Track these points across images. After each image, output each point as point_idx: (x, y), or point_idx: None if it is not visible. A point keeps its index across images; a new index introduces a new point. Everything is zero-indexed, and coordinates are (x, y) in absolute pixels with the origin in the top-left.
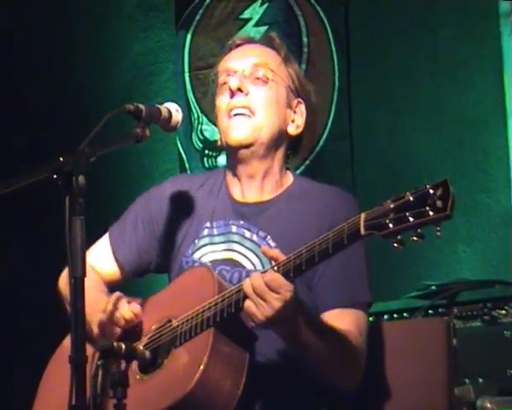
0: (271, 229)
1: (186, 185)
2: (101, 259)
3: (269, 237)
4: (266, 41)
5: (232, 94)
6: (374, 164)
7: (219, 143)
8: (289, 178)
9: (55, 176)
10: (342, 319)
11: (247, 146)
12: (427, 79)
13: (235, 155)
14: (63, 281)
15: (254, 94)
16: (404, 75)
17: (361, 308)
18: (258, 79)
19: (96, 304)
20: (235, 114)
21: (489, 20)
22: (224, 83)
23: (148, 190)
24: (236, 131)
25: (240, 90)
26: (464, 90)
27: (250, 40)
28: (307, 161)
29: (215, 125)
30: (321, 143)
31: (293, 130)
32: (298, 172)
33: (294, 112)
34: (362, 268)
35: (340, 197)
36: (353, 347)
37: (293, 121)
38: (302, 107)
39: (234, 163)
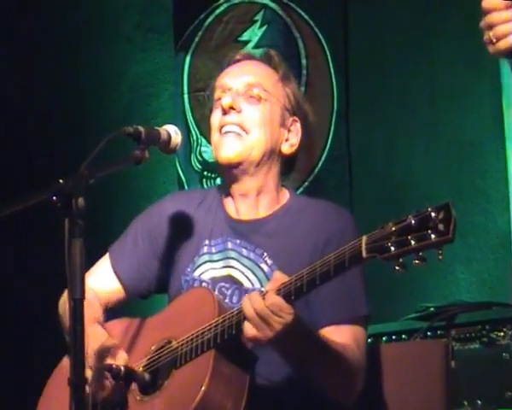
0: (268, 246)
1: (185, 203)
2: (102, 278)
3: (265, 254)
4: (265, 58)
5: (224, 111)
6: (372, 186)
7: (212, 158)
8: (286, 195)
9: (54, 198)
10: (340, 334)
11: (237, 165)
12: (426, 102)
13: (225, 172)
14: (62, 305)
15: (247, 112)
16: (402, 97)
17: (359, 323)
18: (251, 97)
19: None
20: (226, 132)
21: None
22: (219, 99)
23: (148, 208)
24: (226, 149)
25: (232, 108)
26: (462, 112)
27: (250, 56)
28: (306, 183)
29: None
30: (319, 164)
31: (287, 149)
32: (297, 192)
33: (289, 130)
34: (359, 282)
35: (335, 212)
36: (352, 362)
37: (287, 140)
38: (298, 125)
39: (227, 181)
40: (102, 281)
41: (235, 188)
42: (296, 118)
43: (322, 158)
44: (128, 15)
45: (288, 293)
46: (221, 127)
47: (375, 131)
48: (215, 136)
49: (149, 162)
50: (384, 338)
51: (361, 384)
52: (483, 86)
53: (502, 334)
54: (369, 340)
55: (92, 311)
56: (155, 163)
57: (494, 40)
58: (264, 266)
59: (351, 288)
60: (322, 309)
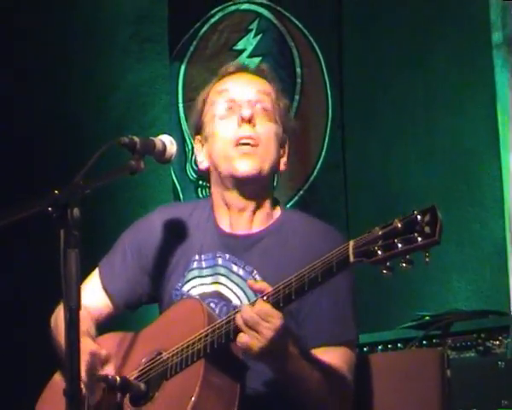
0: (258, 264)
1: (174, 216)
2: (92, 294)
3: (255, 271)
4: (259, 72)
5: (241, 122)
6: (367, 193)
7: (203, 166)
8: (278, 210)
9: (49, 208)
10: (330, 356)
11: (252, 180)
12: (421, 109)
13: (233, 185)
14: (54, 320)
15: (262, 126)
16: (397, 106)
17: (349, 346)
18: (264, 110)
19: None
20: (244, 144)
21: (482, 50)
22: (230, 108)
23: (136, 222)
24: (245, 163)
25: (249, 120)
26: (458, 120)
27: (244, 69)
28: (301, 191)
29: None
30: (315, 173)
31: (281, 166)
32: (292, 202)
33: (283, 148)
34: (349, 304)
35: (325, 232)
36: (342, 381)
37: (281, 157)
38: (287, 143)
39: (227, 194)
40: (92, 297)
41: (237, 202)
42: (286, 136)
43: (318, 166)
44: (123, 25)
45: (276, 300)
46: (238, 139)
47: (371, 140)
48: (228, 148)
49: (144, 171)
50: (379, 347)
51: (349, 406)
52: (478, 94)
53: (497, 342)
54: (365, 349)
55: (83, 325)
56: (150, 172)
57: None
58: None
59: (342, 310)
60: (313, 331)
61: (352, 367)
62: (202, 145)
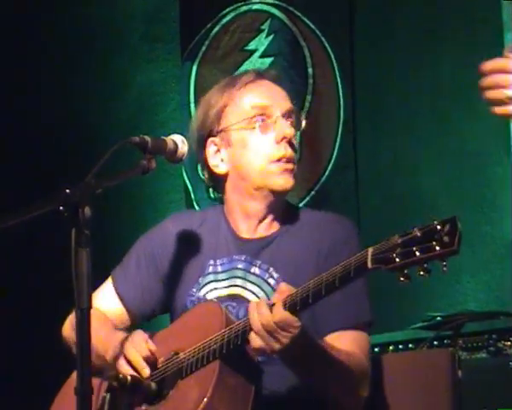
0: (274, 261)
1: (187, 223)
2: (106, 302)
3: (272, 268)
4: (277, 79)
5: (282, 140)
6: (378, 194)
7: (220, 170)
8: (290, 210)
9: (61, 208)
10: (345, 341)
11: (286, 193)
12: (431, 111)
13: (264, 197)
14: (67, 328)
15: (295, 142)
16: (407, 108)
17: (363, 329)
18: (296, 126)
19: (110, 340)
20: (287, 164)
21: (493, 50)
22: (265, 121)
23: (149, 230)
24: (286, 181)
25: (290, 141)
26: (468, 120)
27: (266, 76)
28: (312, 192)
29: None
30: (326, 174)
31: None
32: (303, 202)
33: None
34: (362, 289)
35: (338, 222)
36: (357, 369)
37: None
38: None
39: (251, 203)
40: (107, 305)
41: (258, 210)
42: None
43: (329, 168)
44: (134, 25)
45: (293, 304)
46: (279, 158)
47: (382, 142)
48: (267, 163)
49: (155, 170)
50: (391, 347)
51: (366, 391)
52: None
53: (509, 343)
54: (376, 349)
55: (109, 325)
56: (161, 172)
57: (507, 100)
58: (271, 280)
59: (354, 295)
60: (327, 316)
61: (367, 350)
62: (218, 149)
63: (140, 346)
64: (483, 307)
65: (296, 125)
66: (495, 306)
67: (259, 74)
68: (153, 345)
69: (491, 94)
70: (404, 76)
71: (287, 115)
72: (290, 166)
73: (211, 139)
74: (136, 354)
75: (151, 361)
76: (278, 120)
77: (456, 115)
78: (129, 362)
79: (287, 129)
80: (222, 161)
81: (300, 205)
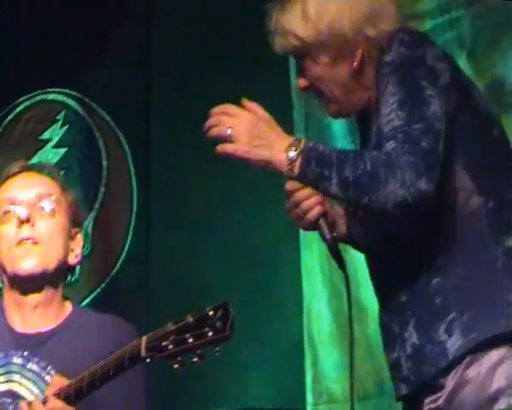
0: (52, 359)
1: None
2: None
3: (50, 366)
4: (42, 169)
5: (20, 224)
6: (170, 288)
7: None
8: (68, 307)
9: None
10: None
11: (38, 276)
12: (225, 206)
13: (21, 284)
14: None
15: (42, 225)
16: (202, 201)
17: None
18: (42, 209)
19: None
20: (24, 244)
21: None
22: (8, 211)
23: None
24: (28, 261)
25: (28, 220)
26: (261, 216)
27: (27, 168)
28: (103, 284)
29: None
30: (117, 266)
31: (72, 259)
32: (94, 293)
33: (73, 241)
34: (141, 401)
35: (120, 328)
36: None
37: (72, 251)
38: (79, 236)
39: (16, 293)
40: None
41: (27, 300)
42: (78, 229)
43: (120, 260)
44: None
45: (68, 396)
46: (18, 241)
47: (175, 234)
48: (12, 249)
49: None
50: None
51: None
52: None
53: None
54: None
55: None
56: None
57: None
58: (48, 377)
59: (131, 397)
60: None
61: None
62: None
63: None
64: (272, 403)
65: (56, 211)
66: (283, 402)
67: (20, 168)
68: None
69: (214, 131)
70: (200, 171)
71: (34, 203)
72: (28, 246)
73: None
74: None
75: None
76: (20, 208)
77: (252, 211)
78: None
79: (21, 212)
80: None
81: (90, 297)
